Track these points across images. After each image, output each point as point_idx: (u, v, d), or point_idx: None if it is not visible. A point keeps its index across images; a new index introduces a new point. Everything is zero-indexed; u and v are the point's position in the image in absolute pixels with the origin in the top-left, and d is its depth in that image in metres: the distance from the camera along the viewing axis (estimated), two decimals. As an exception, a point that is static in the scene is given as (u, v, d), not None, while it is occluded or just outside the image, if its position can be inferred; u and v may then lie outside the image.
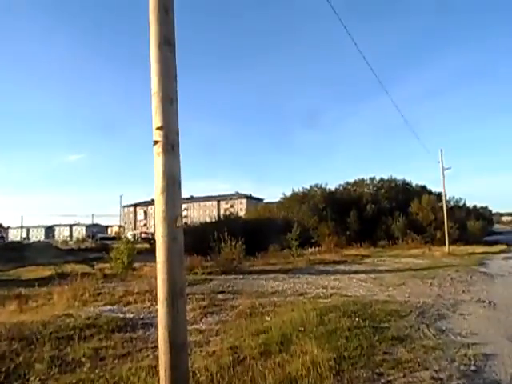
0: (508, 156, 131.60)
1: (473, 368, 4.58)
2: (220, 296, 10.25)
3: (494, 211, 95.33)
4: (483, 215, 61.44)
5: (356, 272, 15.52)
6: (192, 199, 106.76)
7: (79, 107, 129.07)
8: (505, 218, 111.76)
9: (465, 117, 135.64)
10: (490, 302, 8.77)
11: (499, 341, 5.72)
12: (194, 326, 6.95)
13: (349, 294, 10.14)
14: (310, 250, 29.29)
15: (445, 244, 28.40)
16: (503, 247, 33.19)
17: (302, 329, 6.18)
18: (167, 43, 3.09)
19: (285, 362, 4.68)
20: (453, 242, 31.19)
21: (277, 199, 45.94)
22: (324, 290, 10.88)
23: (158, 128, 2.99)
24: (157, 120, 3.00)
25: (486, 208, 76.93)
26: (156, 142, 2.99)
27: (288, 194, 43.19)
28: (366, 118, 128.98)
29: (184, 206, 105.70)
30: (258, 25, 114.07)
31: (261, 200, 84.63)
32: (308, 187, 42.24)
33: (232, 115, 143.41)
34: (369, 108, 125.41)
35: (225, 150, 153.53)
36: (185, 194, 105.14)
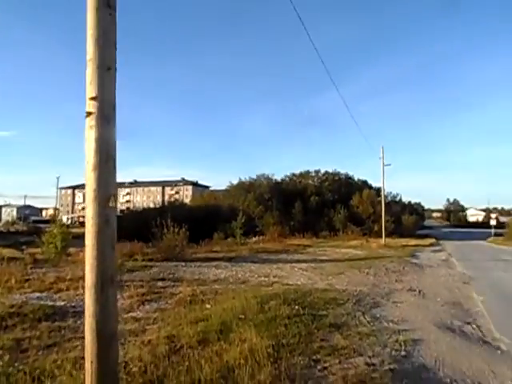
0: (438, 157, 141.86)
1: (403, 353, 4.80)
2: (160, 283, 9.95)
3: (426, 207, 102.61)
4: (417, 210, 65.61)
5: (298, 261, 15.85)
6: (136, 184, 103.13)
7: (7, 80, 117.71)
8: (435, 214, 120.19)
9: (404, 116, 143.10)
10: (419, 291, 9.34)
11: (427, 327, 6.07)
12: (131, 314, 6.66)
13: (290, 282, 10.31)
14: (255, 238, 29.54)
15: (381, 236, 29.94)
16: (432, 241, 35.71)
17: (243, 316, 6.13)
18: (107, 5, 2.80)
19: (223, 350, 4.59)
20: (389, 235, 32.97)
21: (224, 187, 45.74)
22: (266, 279, 10.96)
23: (91, 98, 2.70)
24: (91, 89, 2.71)
25: (419, 204, 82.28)
26: (89, 114, 2.70)
27: (235, 182, 43.15)
28: (314, 111, 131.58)
29: (127, 190, 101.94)
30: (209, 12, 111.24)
31: (207, 187, 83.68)
32: (255, 177, 42.46)
33: (181, 101, 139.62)
34: (317, 102, 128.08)
35: (172, 136, 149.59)
36: (128, 178, 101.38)
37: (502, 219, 55.50)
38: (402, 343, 5.16)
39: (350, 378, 3.86)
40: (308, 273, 12.31)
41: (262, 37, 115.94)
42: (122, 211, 50.37)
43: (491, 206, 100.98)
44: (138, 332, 5.57)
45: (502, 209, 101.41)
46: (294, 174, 45.05)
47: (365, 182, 46.15)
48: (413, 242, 31.86)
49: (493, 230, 42.63)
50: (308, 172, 44.93)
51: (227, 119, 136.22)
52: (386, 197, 36.97)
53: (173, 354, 4.55)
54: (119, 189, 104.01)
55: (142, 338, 5.28)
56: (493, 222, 44.49)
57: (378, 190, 34.58)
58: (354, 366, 4.26)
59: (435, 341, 5.36)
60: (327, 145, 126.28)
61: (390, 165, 30.87)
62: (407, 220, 43.55)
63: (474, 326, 6.30)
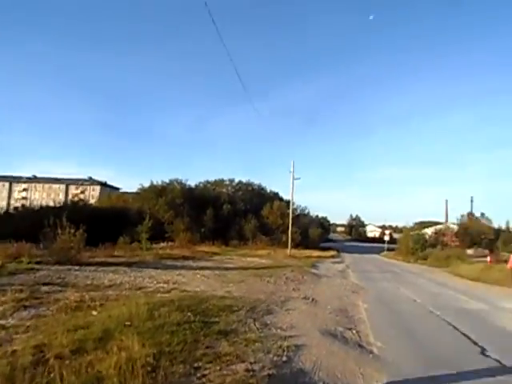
0: (346, 175, 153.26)
1: (284, 359, 4.91)
2: (45, 288, 9.03)
3: (331, 222, 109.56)
4: (323, 224, 69.74)
5: (202, 268, 15.68)
6: (35, 179, 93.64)
7: None
8: (339, 229, 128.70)
9: (317, 135, 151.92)
10: (312, 299, 9.80)
11: (312, 333, 6.34)
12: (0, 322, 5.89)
13: (189, 289, 10.09)
14: (163, 244, 28.70)
15: (289, 247, 31.15)
16: (334, 253, 38.22)
17: (129, 324, 5.79)
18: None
19: (98, 360, 4.25)
20: (295, 246, 34.48)
21: (135, 190, 43.73)
22: (165, 285, 10.61)
23: None
24: None
25: (325, 218, 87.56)
26: None
27: (146, 185, 41.54)
28: (231, 121, 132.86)
29: (24, 186, 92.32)
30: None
31: (117, 189, 79.36)
32: (167, 181, 41.33)
33: (93, 100, 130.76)
34: (235, 112, 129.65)
35: (82, 134, 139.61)
36: (26, 172, 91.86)
37: (396, 236, 61.52)
38: (286, 349, 5.29)
39: (226, 385, 3.82)
40: (210, 280, 12.21)
41: (190, 42, 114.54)
42: (15, 208, 45.45)
43: (387, 224, 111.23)
44: (3, 341, 4.93)
45: (396, 226, 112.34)
46: (208, 182, 44.99)
47: (276, 194, 47.86)
48: (316, 253, 33.72)
49: (386, 245, 47.03)
50: (222, 180, 45.23)
51: (146, 122, 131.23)
52: (295, 209, 38.70)
53: (39, 365, 4.09)
54: (14, 184, 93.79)
55: (7, 348, 4.68)
56: (386, 238, 49.17)
57: (289, 203, 35.98)
58: (233, 372, 4.23)
59: (317, 346, 5.60)
60: (243, 155, 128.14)
61: (299, 178, 32.41)
62: (313, 233, 46.04)
63: (355, 331, 6.74)
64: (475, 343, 6.29)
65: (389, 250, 45.38)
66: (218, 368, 4.36)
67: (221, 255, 24.39)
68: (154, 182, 41.11)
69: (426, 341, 6.41)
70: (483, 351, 5.83)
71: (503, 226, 57.41)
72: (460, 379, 4.51)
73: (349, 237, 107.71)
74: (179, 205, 37.42)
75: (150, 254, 20.41)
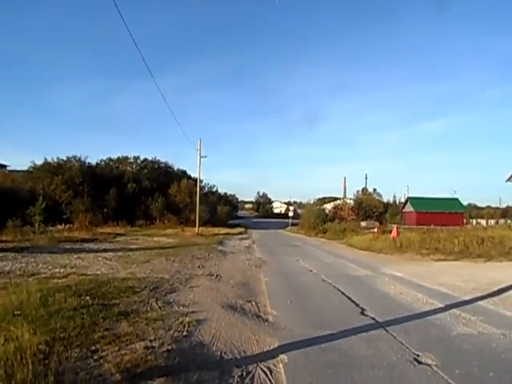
0: (254, 153, 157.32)
1: (185, 334, 5.12)
2: None
3: (240, 199, 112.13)
4: (231, 202, 71.15)
5: (104, 250, 15.09)
6: None
7: None
8: (247, 206, 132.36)
9: (226, 113, 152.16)
10: (217, 275, 10.16)
11: (213, 307, 6.65)
12: None
13: (88, 272, 9.72)
14: (60, 226, 26.76)
15: (197, 225, 31.26)
16: (242, 230, 39.36)
17: (18, 313, 5.46)
18: None
19: (-21, 354, 3.98)
20: (204, 224, 34.74)
21: (25, 168, 39.36)
22: (62, 270, 10.06)
23: None
24: None
25: (234, 196, 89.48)
26: None
27: (39, 163, 37.73)
28: (135, 96, 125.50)
29: None
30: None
31: (4, 167, 70.75)
32: (65, 158, 37.96)
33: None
34: (139, 88, 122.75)
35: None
36: None
37: (299, 211, 65.30)
38: (187, 324, 5.50)
39: (124, 364, 3.88)
40: (112, 262, 11.85)
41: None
42: None
43: (292, 200, 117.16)
44: None
45: (300, 202, 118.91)
46: (110, 159, 42.44)
47: (184, 173, 47.18)
48: (224, 230, 34.39)
49: (290, 221, 49.81)
50: (126, 158, 43.06)
51: (38, 94, 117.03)
52: (203, 188, 38.85)
53: None
54: None
55: None
56: (291, 214, 52.09)
57: (197, 181, 35.84)
58: (132, 351, 4.30)
59: (217, 319, 5.91)
60: (148, 132, 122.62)
61: (205, 157, 32.42)
62: (222, 210, 46.73)
63: (254, 303, 7.22)
64: (357, 305, 7.19)
65: (293, 225, 48.13)
66: (117, 348, 4.40)
67: (126, 236, 23.60)
68: (49, 159, 37.54)
69: (316, 307, 7.14)
70: (363, 311, 6.71)
71: (391, 200, 65.17)
72: (341, 336, 5.17)
73: (257, 213, 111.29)
74: (78, 184, 34.91)
75: (44, 237, 18.90)
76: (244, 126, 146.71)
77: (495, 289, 8.58)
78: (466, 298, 7.85)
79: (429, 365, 4.16)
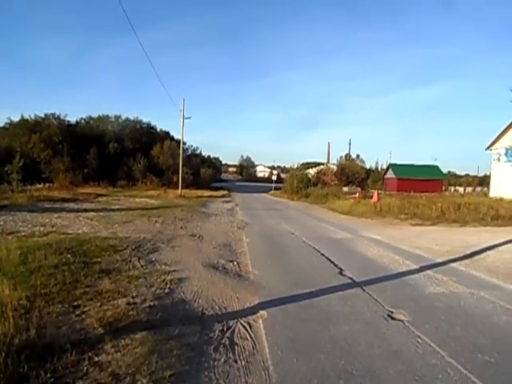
0: (238, 116, 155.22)
1: (166, 291, 5.21)
2: None
3: (223, 162, 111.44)
4: (215, 165, 70.78)
5: (85, 210, 14.95)
6: None
7: None
8: (231, 169, 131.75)
9: (211, 74, 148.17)
10: (199, 236, 10.25)
11: (196, 266, 6.75)
12: None
13: (70, 231, 9.65)
14: (39, 186, 26.27)
15: (179, 187, 31.12)
16: (225, 192, 39.41)
17: (-3, 270, 5.42)
18: None
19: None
20: (187, 186, 34.61)
21: (1, 124, 37.93)
22: (42, 228, 9.96)
23: None
24: None
25: (217, 159, 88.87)
26: None
27: (16, 119, 36.38)
28: (116, 53, 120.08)
29: None
30: None
31: (-22, 123, 67.92)
32: (42, 115, 36.70)
33: None
34: (121, 44, 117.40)
35: None
36: None
37: (283, 176, 65.54)
38: (169, 282, 5.59)
39: (106, 318, 3.95)
40: (93, 222, 11.78)
41: None
42: None
43: (276, 164, 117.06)
44: None
45: (284, 167, 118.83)
46: (91, 118, 41.21)
47: (167, 134, 46.34)
48: (207, 193, 34.40)
49: (273, 185, 50.07)
50: (107, 116, 41.84)
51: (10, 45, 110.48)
52: (186, 149, 38.38)
53: None
54: None
55: None
56: (274, 178, 52.34)
57: (180, 142, 35.28)
58: (114, 307, 4.37)
59: (199, 278, 6.02)
60: (130, 91, 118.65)
61: (189, 118, 31.76)
62: (205, 173, 46.58)
63: (236, 263, 7.34)
64: (336, 265, 7.40)
65: (276, 189, 48.42)
66: (99, 304, 4.46)
67: (107, 197, 23.34)
68: (26, 116, 36.21)
69: (296, 267, 7.32)
70: (341, 272, 6.92)
71: (373, 167, 65.84)
72: (319, 294, 5.35)
73: (240, 177, 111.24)
74: (57, 143, 34.00)
75: (23, 196, 18.53)
76: (230, 88, 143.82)
77: (468, 252, 8.93)
78: (440, 260, 8.16)
79: (401, 320, 4.38)
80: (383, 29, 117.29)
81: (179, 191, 30.38)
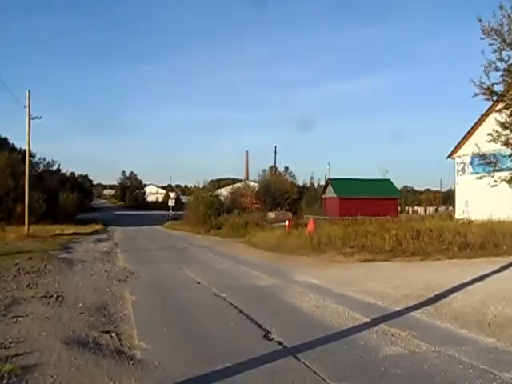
0: (111, 118, 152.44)
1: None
2: None
3: (95, 182, 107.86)
4: (82, 186, 68.26)
5: None
6: None
7: None
8: (108, 192, 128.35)
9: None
10: (57, 297, 9.75)
11: (51, 345, 6.31)
12: None
13: None
14: None
15: (25, 222, 29.34)
16: (99, 227, 38.23)
17: None
18: None
19: None
20: (38, 220, 32.90)
21: None
22: None
23: None
24: None
25: (86, 177, 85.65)
26: None
27: None
28: None
29: None
30: None
31: None
32: None
33: None
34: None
35: None
36: None
37: (185, 199, 65.48)
38: (6, 375, 5.15)
39: None
40: None
41: None
42: None
43: (174, 183, 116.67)
44: None
45: (186, 187, 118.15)
46: None
47: (4, 141, 43.52)
48: (71, 229, 33.05)
49: (171, 213, 49.68)
50: None
51: None
52: (36, 164, 36.51)
53: None
54: None
55: None
56: (171, 203, 51.85)
57: (24, 154, 33.48)
58: None
59: (57, 363, 5.63)
60: None
61: (39, 118, 30.08)
62: (67, 199, 44.73)
63: (114, 334, 7.07)
64: (260, 326, 7.50)
65: (175, 218, 48.21)
66: None
67: None
68: None
69: (204, 332, 7.28)
70: (267, 334, 7.03)
71: (308, 183, 68.36)
72: (237, 371, 5.33)
73: (122, 203, 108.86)
74: None
75: None
76: (103, 75, 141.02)
77: (431, 295, 9.63)
78: (397, 308, 8.70)
79: (351, 400, 4.54)
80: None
81: (26, 228, 28.67)
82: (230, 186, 55.79)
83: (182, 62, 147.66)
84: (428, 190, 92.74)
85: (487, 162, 18.29)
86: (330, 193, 52.52)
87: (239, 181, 59.44)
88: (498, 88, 15.54)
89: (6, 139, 43.98)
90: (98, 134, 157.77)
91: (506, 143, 15.86)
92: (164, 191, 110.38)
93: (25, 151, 32.26)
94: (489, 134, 16.25)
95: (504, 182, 16.90)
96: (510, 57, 14.82)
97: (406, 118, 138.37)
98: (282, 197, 53.53)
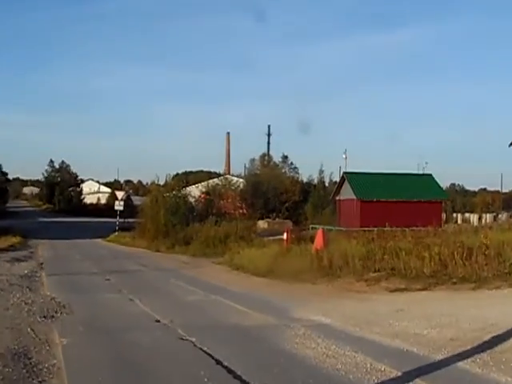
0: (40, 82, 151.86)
1: None
2: None
3: (12, 176, 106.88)
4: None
5: None
6: None
7: None
8: (28, 190, 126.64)
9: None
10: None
11: None
12: None
13: None
14: None
15: None
16: (16, 240, 37.89)
17: None
18: None
19: None
20: None
21: None
22: None
23: None
24: None
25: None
26: None
27: None
28: None
29: None
30: None
31: None
32: None
33: None
34: None
35: None
36: None
37: (138, 201, 64.97)
38: None
39: None
40: None
41: None
42: None
43: (122, 179, 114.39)
44: None
45: (140, 183, 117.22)
46: None
47: None
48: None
49: (118, 220, 49.25)
50: None
51: None
52: None
53: None
54: None
55: None
56: (119, 207, 51.13)
57: None
58: None
59: None
60: None
61: None
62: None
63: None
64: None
65: (124, 228, 47.88)
66: None
67: None
68: None
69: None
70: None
71: (315, 179, 67.26)
72: None
73: (49, 206, 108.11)
74: None
75: None
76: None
77: (486, 338, 9.57)
78: (439, 356, 8.62)
79: None
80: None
81: None
82: (204, 183, 55.10)
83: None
84: (484, 189, 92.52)
85: None
86: (347, 193, 50.97)
87: (217, 175, 59.01)
88: None
89: None
90: (13, 108, 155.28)
91: None
92: (109, 189, 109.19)
93: None
94: None
95: None
96: None
97: (453, 88, 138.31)
98: (277, 198, 53.01)
